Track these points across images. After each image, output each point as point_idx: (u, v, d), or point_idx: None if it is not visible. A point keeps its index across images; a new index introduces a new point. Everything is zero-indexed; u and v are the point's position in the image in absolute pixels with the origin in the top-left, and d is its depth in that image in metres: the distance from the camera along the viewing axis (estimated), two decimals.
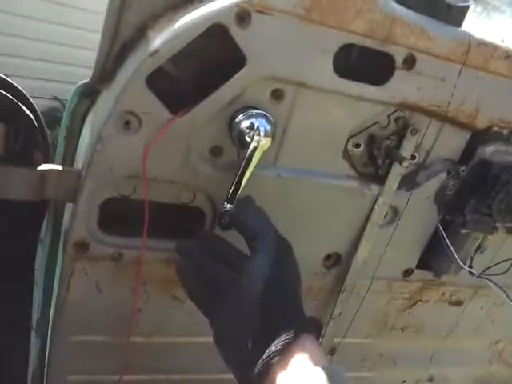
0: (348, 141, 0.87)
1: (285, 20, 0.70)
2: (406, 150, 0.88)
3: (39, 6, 4.32)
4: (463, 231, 0.96)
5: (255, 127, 0.73)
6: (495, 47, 0.83)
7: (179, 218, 0.85)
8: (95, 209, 0.79)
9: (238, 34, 0.69)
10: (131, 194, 0.78)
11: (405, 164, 0.84)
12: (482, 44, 0.82)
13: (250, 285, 0.66)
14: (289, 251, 0.75)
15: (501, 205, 0.94)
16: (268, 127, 0.74)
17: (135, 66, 0.69)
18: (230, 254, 0.73)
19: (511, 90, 0.88)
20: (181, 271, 0.75)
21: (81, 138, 0.85)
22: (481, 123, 0.90)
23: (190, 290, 0.75)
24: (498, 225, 0.99)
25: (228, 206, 0.75)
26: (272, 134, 0.75)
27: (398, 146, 0.88)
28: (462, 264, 0.97)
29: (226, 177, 0.80)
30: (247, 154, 0.74)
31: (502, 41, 0.85)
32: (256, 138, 0.73)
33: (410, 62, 0.80)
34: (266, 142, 0.74)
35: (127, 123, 0.72)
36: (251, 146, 0.74)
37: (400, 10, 0.76)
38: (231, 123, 0.76)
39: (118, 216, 0.82)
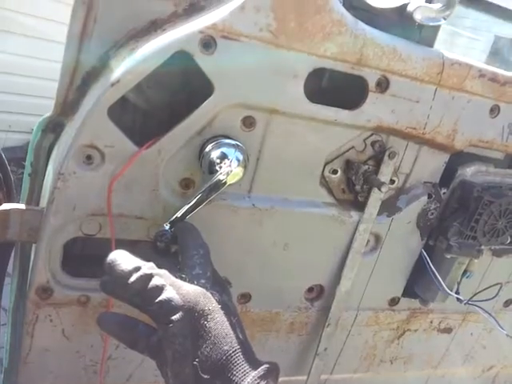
0: (325, 167, 0.84)
1: (252, 45, 0.67)
2: (385, 174, 0.85)
3: (21, 41, 4.31)
4: (448, 256, 0.92)
5: (225, 157, 0.69)
6: (469, 66, 0.82)
7: (151, 254, 0.80)
8: (58, 249, 0.74)
9: (203, 60, 0.66)
10: (97, 233, 0.73)
11: (384, 189, 0.81)
12: (455, 63, 0.80)
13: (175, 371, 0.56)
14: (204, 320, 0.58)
15: (485, 227, 0.92)
16: (240, 156, 0.71)
17: (96, 97, 0.65)
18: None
19: (487, 109, 0.87)
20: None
21: (46, 174, 0.80)
22: (459, 144, 0.88)
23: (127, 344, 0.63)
24: (483, 247, 0.96)
25: (167, 226, 0.67)
26: (244, 164, 0.72)
27: (376, 170, 0.85)
28: (448, 291, 0.93)
29: (200, 210, 0.76)
30: (213, 182, 0.68)
31: None
32: (226, 168, 0.69)
33: (383, 85, 0.77)
34: (237, 172, 0.70)
35: (89, 158, 0.67)
36: (219, 175, 0.69)
37: (371, 31, 0.74)
38: (201, 153, 0.72)
39: (84, 257, 0.77)
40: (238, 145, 0.72)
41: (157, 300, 0.56)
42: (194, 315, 0.56)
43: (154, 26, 0.67)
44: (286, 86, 0.72)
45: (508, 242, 0.98)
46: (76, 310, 0.77)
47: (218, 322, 0.57)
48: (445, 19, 0.75)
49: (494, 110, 0.87)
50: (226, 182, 0.69)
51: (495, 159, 0.98)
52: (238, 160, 0.70)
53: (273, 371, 0.57)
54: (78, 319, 0.78)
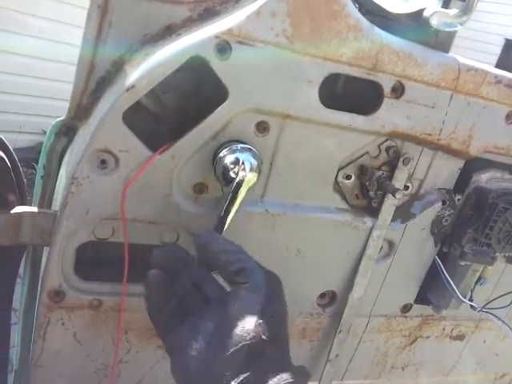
0: (338, 172, 0.83)
1: (267, 50, 0.67)
2: (399, 180, 0.84)
3: (28, 42, 4.34)
4: (462, 263, 0.91)
5: (240, 162, 0.69)
6: (485, 72, 0.81)
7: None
8: (71, 253, 0.74)
9: (218, 66, 0.66)
10: (110, 237, 0.73)
11: (398, 195, 0.81)
12: (472, 69, 0.80)
13: (236, 324, 0.55)
14: (280, 289, 0.64)
15: (500, 234, 0.90)
16: (253, 161, 0.70)
17: (111, 102, 0.65)
18: (207, 283, 0.65)
19: (503, 116, 0.86)
20: (150, 282, 0.65)
21: (59, 178, 0.80)
22: (475, 150, 0.87)
23: (155, 305, 0.64)
24: (497, 254, 0.95)
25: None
26: (258, 169, 0.71)
27: (390, 176, 0.84)
28: (462, 298, 0.92)
29: (212, 215, 0.76)
30: (231, 190, 0.70)
31: None
32: (241, 173, 0.69)
33: (398, 90, 0.77)
34: (251, 177, 0.70)
35: (103, 162, 0.67)
36: (235, 182, 0.69)
37: (386, 36, 0.74)
38: (215, 158, 0.72)
39: (97, 260, 0.77)
40: (251, 150, 0.71)
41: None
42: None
43: (169, 31, 0.67)
44: (301, 91, 0.71)
45: None
46: (88, 313, 0.77)
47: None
48: (461, 25, 0.74)
49: (510, 117, 0.86)
50: (241, 186, 0.69)
51: (511, 165, 0.97)
52: (252, 165, 0.70)
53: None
54: (90, 323, 0.78)
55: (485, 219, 0.89)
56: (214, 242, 0.64)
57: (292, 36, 0.67)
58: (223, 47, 0.65)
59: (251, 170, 0.70)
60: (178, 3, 0.67)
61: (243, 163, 0.69)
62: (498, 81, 0.82)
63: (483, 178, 0.93)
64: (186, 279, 0.65)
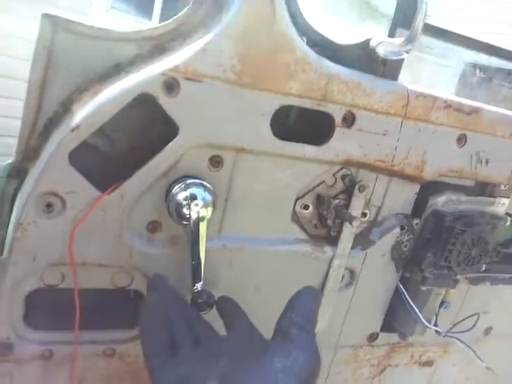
0: (296, 203, 0.82)
1: (216, 86, 0.67)
2: (356, 208, 0.84)
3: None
4: (424, 288, 0.91)
5: (193, 198, 0.68)
6: (434, 98, 0.82)
7: (117, 304, 0.77)
8: (20, 302, 0.70)
9: (167, 103, 0.65)
10: (59, 284, 0.70)
11: (355, 223, 0.80)
12: (420, 96, 0.81)
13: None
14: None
15: (459, 257, 0.91)
16: (207, 197, 0.69)
17: (56, 143, 0.63)
18: (198, 321, 0.64)
19: (455, 139, 0.87)
20: (150, 302, 0.63)
21: (10, 223, 0.77)
22: (429, 174, 0.88)
23: (152, 328, 0.61)
24: (458, 277, 0.95)
25: (198, 285, 0.68)
26: (212, 204, 0.70)
27: (348, 204, 0.84)
28: (426, 323, 0.92)
29: (168, 254, 0.73)
30: (191, 228, 0.68)
31: None
32: (195, 208, 0.67)
33: (349, 120, 0.77)
34: (205, 213, 0.68)
35: (49, 206, 0.65)
36: (192, 219, 0.68)
37: (335, 67, 0.75)
38: (168, 195, 0.70)
39: (46, 308, 0.73)
40: (205, 185, 0.70)
41: None
42: None
43: (118, 69, 0.66)
44: (253, 124, 0.71)
45: (483, 269, 0.98)
46: (39, 365, 0.73)
47: None
48: (407, 53, 0.76)
49: (461, 140, 0.88)
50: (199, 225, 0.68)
51: (466, 187, 0.98)
52: (206, 200, 0.69)
53: None
54: (42, 376, 0.74)
55: (443, 242, 0.90)
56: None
57: (240, 71, 0.67)
58: (171, 84, 0.65)
59: (205, 205, 0.69)
60: (126, 41, 0.66)
61: (196, 199, 0.68)
62: (448, 105, 0.84)
63: (439, 202, 0.94)
64: (179, 314, 0.63)
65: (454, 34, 1.17)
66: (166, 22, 0.69)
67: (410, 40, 0.74)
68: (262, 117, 0.71)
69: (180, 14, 0.69)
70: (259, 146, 0.73)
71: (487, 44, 1.20)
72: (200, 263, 0.69)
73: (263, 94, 0.70)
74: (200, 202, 0.68)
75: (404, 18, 0.77)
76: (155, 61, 0.66)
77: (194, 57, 0.65)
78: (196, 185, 0.69)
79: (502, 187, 1.00)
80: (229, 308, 0.69)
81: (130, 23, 4.90)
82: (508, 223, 1.00)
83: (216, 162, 0.72)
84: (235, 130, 0.70)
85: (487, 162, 0.91)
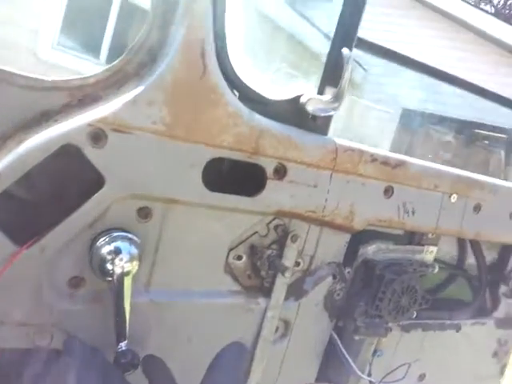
0: (229, 254, 0.82)
1: (145, 137, 0.66)
2: (288, 258, 0.85)
3: None
4: (357, 338, 0.92)
5: (117, 253, 0.66)
6: (362, 152, 0.86)
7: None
8: None
9: (93, 154, 0.64)
10: None
11: (287, 274, 0.81)
12: (348, 150, 0.84)
13: None
14: None
15: (389, 305, 0.93)
16: (133, 250, 0.67)
17: None
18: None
19: (382, 191, 0.91)
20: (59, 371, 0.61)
21: None
22: (358, 224, 0.90)
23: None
24: (390, 325, 0.97)
25: (123, 344, 0.64)
26: (138, 258, 0.68)
27: (281, 254, 0.85)
28: (360, 373, 0.92)
29: (91, 310, 0.70)
30: (115, 284, 0.65)
31: None
32: (119, 264, 0.65)
33: (281, 172, 0.79)
34: (131, 268, 0.66)
35: None
36: (116, 274, 0.65)
37: (266, 122, 0.76)
38: (91, 249, 0.68)
39: None
40: (131, 238, 0.68)
41: None
42: None
43: (46, 117, 0.65)
44: (183, 176, 0.71)
45: (414, 316, 1.00)
46: None
47: None
48: (335, 110, 0.79)
49: (388, 191, 0.91)
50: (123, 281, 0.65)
51: (396, 236, 1.02)
52: (131, 255, 0.67)
53: None
54: None
55: (374, 291, 0.92)
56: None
57: (171, 123, 0.67)
58: (97, 135, 0.64)
59: (130, 259, 0.67)
60: (57, 90, 0.65)
61: (121, 253, 0.66)
62: (374, 159, 0.87)
63: (370, 250, 0.96)
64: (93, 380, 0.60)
65: (393, 52, 1.21)
66: (100, 71, 0.68)
67: (337, 98, 0.77)
68: (192, 168, 0.71)
69: (114, 63, 0.69)
70: (190, 198, 0.73)
71: (423, 64, 1.26)
72: (125, 320, 0.66)
73: (194, 146, 0.70)
74: (125, 257, 0.66)
75: (332, 77, 0.80)
76: (86, 110, 0.65)
77: (123, 108, 0.65)
78: (121, 238, 0.67)
79: (430, 235, 1.05)
80: (154, 368, 0.66)
81: (77, 61, 4.84)
82: (436, 270, 1.04)
83: (145, 213, 0.71)
84: (164, 181, 0.70)
85: (413, 212, 0.95)
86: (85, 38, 5.18)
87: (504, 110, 1.44)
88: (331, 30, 0.83)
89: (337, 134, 0.88)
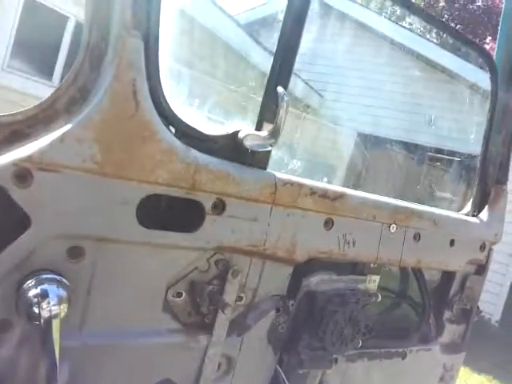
0: (167, 291, 0.80)
1: (74, 176, 0.65)
2: (229, 293, 0.83)
3: None
4: (301, 371, 0.91)
5: (44, 296, 0.63)
6: (301, 185, 0.87)
7: None
8: None
9: (18, 193, 0.62)
10: None
11: (227, 311, 0.79)
12: (288, 183, 0.85)
13: None
14: None
15: (333, 336, 0.93)
16: (61, 293, 0.65)
17: None
18: None
19: (322, 223, 0.92)
20: None
21: None
22: (300, 256, 0.90)
23: None
24: (335, 356, 0.97)
25: None
26: (67, 300, 0.65)
27: (222, 289, 0.83)
28: None
29: (19, 355, 0.67)
30: (42, 328, 0.63)
31: None
32: (46, 307, 0.62)
33: (219, 207, 0.78)
34: (59, 311, 0.64)
35: None
36: (44, 318, 0.63)
37: (203, 158, 0.76)
38: (18, 292, 0.65)
39: None
40: (59, 280, 0.66)
41: None
42: None
43: None
44: (116, 213, 0.69)
45: (360, 346, 1.00)
46: None
47: None
48: (272, 146, 0.80)
49: (329, 223, 0.92)
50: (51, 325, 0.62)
51: (339, 265, 1.03)
52: (60, 297, 0.64)
53: None
54: None
55: (317, 323, 0.92)
56: None
57: (102, 161, 0.66)
58: (22, 175, 0.62)
59: (59, 302, 0.64)
60: None
61: (48, 297, 0.63)
62: (313, 192, 0.88)
63: (313, 282, 0.96)
64: None
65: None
66: (27, 108, 0.67)
67: (273, 134, 0.78)
68: (125, 206, 0.70)
69: (43, 99, 0.67)
70: (123, 236, 0.71)
71: None
72: (55, 364, 0.63)
73: (127, 183, 0.69)
74: (52, 300, 0.63)
75: (269, 113, 0.81)
76: (13, 148, 0.63)
77: (50, 146, 0.63)
78: (49, 280, 0.64)
79: (372, 265, 1.06)
80: None
81: (28, 83, 4.72)
82: (379, 299, 1.05)
83: (75, 253, 0.69)
84: (96, 219, 0.68)
85: (354, 243, 0.96)
86: (36, 59, 5.08)
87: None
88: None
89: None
